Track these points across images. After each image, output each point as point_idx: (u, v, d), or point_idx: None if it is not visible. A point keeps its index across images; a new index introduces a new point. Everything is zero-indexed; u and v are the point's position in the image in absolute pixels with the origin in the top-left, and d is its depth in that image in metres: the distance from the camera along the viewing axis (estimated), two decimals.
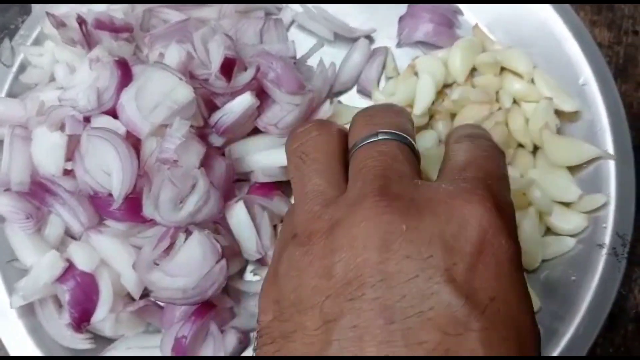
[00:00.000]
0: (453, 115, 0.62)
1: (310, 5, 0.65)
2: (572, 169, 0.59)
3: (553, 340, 0.53)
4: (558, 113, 0.60)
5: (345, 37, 0.66)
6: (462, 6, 0.67)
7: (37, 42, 0.63)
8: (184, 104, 0.51)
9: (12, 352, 0.55)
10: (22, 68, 0.63)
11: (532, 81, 0.62)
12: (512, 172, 0.58)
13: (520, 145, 0.60)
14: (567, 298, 0.54)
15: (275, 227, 0.59)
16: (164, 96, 0.51)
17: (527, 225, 0.57)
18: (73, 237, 0.57)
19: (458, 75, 0.62)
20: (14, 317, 0.56)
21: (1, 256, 0.58)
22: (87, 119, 0.53)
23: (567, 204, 0.58)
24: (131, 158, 0.50)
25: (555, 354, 0.52)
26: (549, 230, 0.59)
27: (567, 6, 0.63)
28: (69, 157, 0.55)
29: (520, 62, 0.61)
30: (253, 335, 0.57)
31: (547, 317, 0.54)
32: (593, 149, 0.58)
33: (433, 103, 0.61)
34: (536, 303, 0.55)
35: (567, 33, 0.62)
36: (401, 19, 0.67)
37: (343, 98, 0.65)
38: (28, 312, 0.56)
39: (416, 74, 0.62)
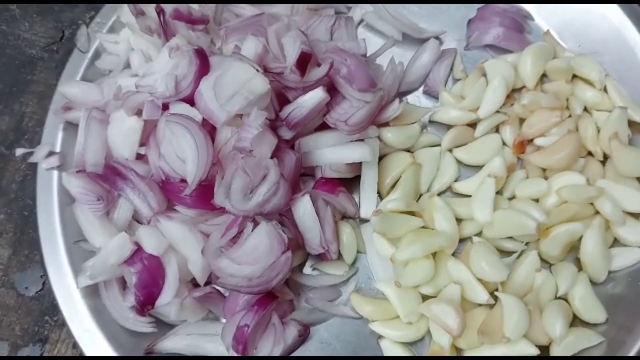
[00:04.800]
0: (521, 121, 0.61)
1: (380, 5, 0.65)
2: None
3: (619, 352, 0.51)
4: (630, 123, 0.59)
5: (412, 38, 0.66)
6: (532, 11, 0.67)
7: (113, 30, 0.65)
8: (259, 95, 0.52)
9: (75, 332, 0.56)
10: (97, 55, 0.64)
11: (604, 90, 0.61)
12: (581, 180, 0.57)
13: (590, 154, 0.59)
14: (634, 309, 0.53)
15: (336, 223, 0.59)
16: (240, 86, 0.52)
17: (592, 237, 0.55)
18: (139, 222, 0.59)
19: (528, 79, 0.61)
20: (78, 297, 0.57)
21: (67, 237, 0.59)
22: (164, 106, 0.54)
23: (636, 215, 0.57)
24: (207, 146, 0.51)
25: None
26: (615, 242, 0.57)
27: None
28: (142, 142, 0.56)
29: (592, 70, 0.61)
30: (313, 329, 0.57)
31: (613, 329, 0.53)
32: None
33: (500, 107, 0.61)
34: (602, 314, 0.54)
35: None
36: (470, 21, 0.67)
37: (409, 98, 0.65)
38: (92, 293, 0.57)
39: (485, 76, 0.62)
